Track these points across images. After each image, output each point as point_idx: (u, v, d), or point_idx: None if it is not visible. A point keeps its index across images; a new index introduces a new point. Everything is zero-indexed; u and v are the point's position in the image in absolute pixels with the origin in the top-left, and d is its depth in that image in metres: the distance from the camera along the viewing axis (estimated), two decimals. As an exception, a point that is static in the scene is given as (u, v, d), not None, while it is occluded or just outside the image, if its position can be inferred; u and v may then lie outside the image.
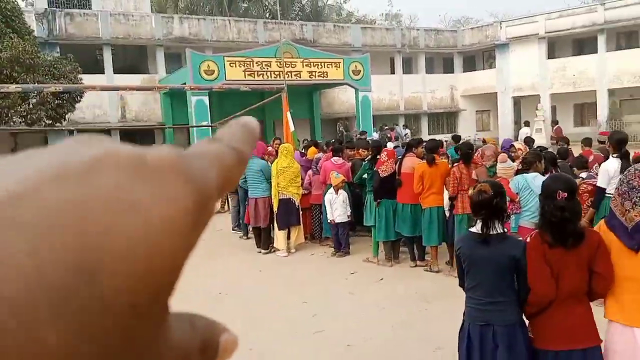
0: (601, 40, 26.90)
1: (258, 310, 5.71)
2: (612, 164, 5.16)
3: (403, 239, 7.26)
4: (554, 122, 20.08)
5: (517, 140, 15.88)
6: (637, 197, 2.55)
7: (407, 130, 25.08)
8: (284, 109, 10.89)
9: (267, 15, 34.63)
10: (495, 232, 2.89)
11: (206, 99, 19.36)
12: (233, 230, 10.12)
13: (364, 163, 7.55)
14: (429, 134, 29.85)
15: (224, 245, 9.05)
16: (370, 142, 8.84)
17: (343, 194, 7.70)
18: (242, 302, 6.06)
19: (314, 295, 6.12)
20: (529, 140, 9.03)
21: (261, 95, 24.55)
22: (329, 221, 7.83)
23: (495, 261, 2.85)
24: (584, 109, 29.12)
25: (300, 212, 8.44)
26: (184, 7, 33.13)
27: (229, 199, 10.17)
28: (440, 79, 31.51)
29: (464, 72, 32.51)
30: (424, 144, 6.83)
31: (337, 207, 7.65)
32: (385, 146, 8.02)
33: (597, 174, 6.15)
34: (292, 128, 10.73)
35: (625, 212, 2.59)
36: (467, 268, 2.99)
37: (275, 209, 8.13)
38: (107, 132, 21.88)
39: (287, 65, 20.35)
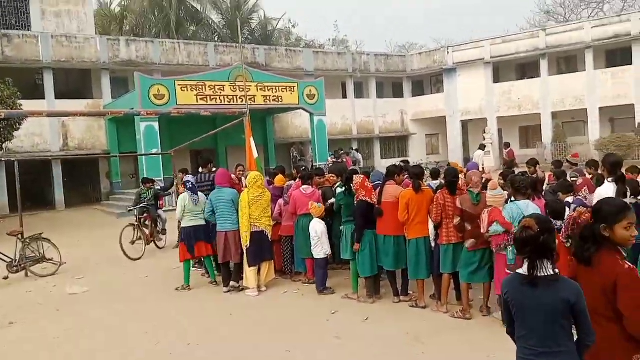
0: (543, 65, 27.98)
1: (237, 363, 5.08)
2: (608, 189, 4.93)
3: (384, 273, 6.81)
4: (506, 144, 20.46)
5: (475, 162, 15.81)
6: None
7: (359, 155, 24.99)
8: (247, 134, 10.35)
9: (216, 39, 34.08)
10: (544, 274, 2.61)
11: (156, 125, 18.50)
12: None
13: (338, 191, 7.06)
14: (381, 158, 29.98)
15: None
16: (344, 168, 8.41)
17: (323, 226, 7.22)
18: (217, 354, 5.39)
19: (297, 341, 5.54)
20: (511, 163, 8.83)
21: (213, 120, 23.93)
22: (324, 255, 7.24)
23: (547, 306, 2.59)
24: (529, 132, 30.09)
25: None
26: (129, 30, 32.10)
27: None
28: (391, 104, 31.84)
29: (413, 96, 33.01)
30: (409, 170, 6.45)
31: (324, 241, 7.16)
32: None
33: (585, 198, 5.97)
34: (255, 154, 10.20)
35: None
36: (516, 314, 2.71)
37: (246, 243, 7.50)
38: (48, 162, 20.51)
39: (241, 90, 19.86)
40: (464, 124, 31.36)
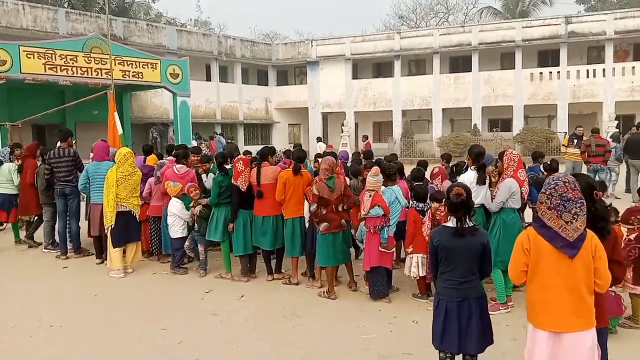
0: (397, 66, 30.17)
1: (111, 344, 4.85)
2: (470, 175, 5.65)
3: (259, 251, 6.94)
4: (365, 137, 21.75)
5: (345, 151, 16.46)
6: (576, 207, 2.72)
7: (224, 140, 24.71)
8: (111, 108, 9.73)
9: (66, 5, 31.05)
10: (467, 226, 3.52)
11: (-6, 94, 16.38)
12: (46, 249, 8.60)
13: (215, 177, 6.95)
14: (245, 145, 29.94)
15: (40, 267, 7.63)
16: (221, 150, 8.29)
17: (181, 205, 7.09)
18: (84, 334, 5.09)
19: (173, 319, 5.45)
20: (370, 154, 9.43)
21: (61, 93, 21.90)
22: (180, 235, 7.11)
23: (471, 249, 3.51)
24: (382, 127, 32.32)
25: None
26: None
27: (43, 213, 8.62)
28: (256, 91, 31.89)
29: (277, 85, 33.42)
30: (294, 152, 6.62)
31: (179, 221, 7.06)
32: (232, 156, 7.55)
33: (437, 186, 6.65)
34: (120, 131, 9.65)
35: (565, 223, 2.74)
36: (444, 256, 3.55)
37: (110, 223, 7.10)
38: None
39: (96, 62, 18.45)
40: (325, 116, 32.59)
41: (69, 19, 23.02)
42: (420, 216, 5.75)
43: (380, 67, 32.46)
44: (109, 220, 7.10)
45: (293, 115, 33.32)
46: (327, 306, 5.81)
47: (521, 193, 5.54)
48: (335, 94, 31.31)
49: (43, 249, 8.63)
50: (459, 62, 30.04)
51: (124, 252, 7.36)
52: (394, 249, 6.03)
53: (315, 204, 5.84)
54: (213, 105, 28.96)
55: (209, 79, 29.50)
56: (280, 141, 31.38)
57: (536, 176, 6.86)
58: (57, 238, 8.47)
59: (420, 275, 5.80)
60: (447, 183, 6.30)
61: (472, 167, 5.68)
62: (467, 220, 3.51)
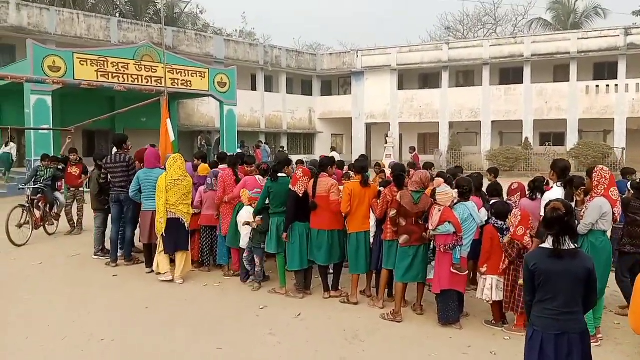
0: (445, 77, 29.50)
1: (164, 363, 4.55)
2: (556, 192, 5.06)
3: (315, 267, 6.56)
4: (412, 148, 21.19)
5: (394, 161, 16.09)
6: None
7: (269, 148, 24.61)
8: (163, 115, 9.62)
9: (117, 15, 31.83)
10: (567, 247, 3.08)
11: (49, 99, 16.72)
12: (95, 255, 8.48)
13: (266, 182, 6.66)
14: (289, 154, 29.81)
15: (89, 275, 7.47)
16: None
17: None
18: (136, 350, 4.81)
19: (228, 337, 5.11)
20: (429, 166, 8.95)
21: (111, 100, 22.27)
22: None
23: (573, 274, 3.07)
24: (427, 139, 31.60)
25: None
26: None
27: (94, 219, 8.52)
28: (300, 100, 31.81)
29: (322, 95, 33.27)
30: (356, 162, 6.23)
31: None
32: (290, 162, 7.24)
33: (515, 203, 6.12)
34: (172, 137, 9.51)
35: None
36: (542, 282, 3.12)
37: (160, 229, 6.91)
38: None
39: (146, 70, 18.66)
40: (368, 127, 32.17)
41: (120, 27, 23.49)
42: (499, 234, 5.25)
43: (427, 78, 31.85)
44: (160, 229, 6.91)
45: (336, 126, 33.04)
46: (391, 330, 5.36)
47: (613, 214, 4.98)
48: (380, 105, 30.87)
49: (93, 256, 8.50)
50: (509, 74, 29.15)
51: (172, 261, 7.18)
52: (467, 271, 5.53)
53: (395, 210, 5.44)
54: (257, 115, 28.99)
55: (254, 88, 29.58)
56: (322, 151, 31.04)
57: (620, 194, 6.22)
58: (107, 245, 8.38)
59: (494, 299, 5.29)
60: (525, 201, 5.77)
61: (558, 184, 5.14)
62: (568, 241, 3.08)
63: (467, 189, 5.40)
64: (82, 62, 17.15)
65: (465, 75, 30.91)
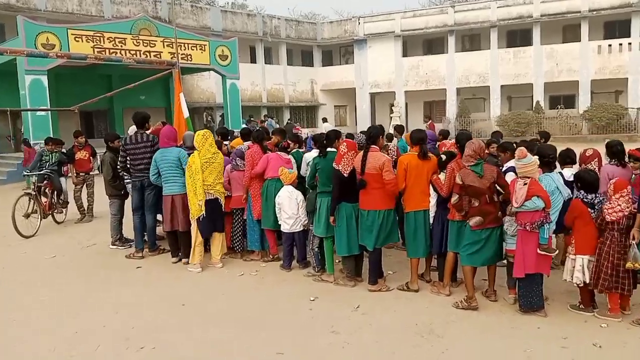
0: (451, 41, 28.50)
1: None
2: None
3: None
4: (427, 117, 20.44)
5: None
6: None
7: (274, 122, 23.78)
8: (176, 90, 8.85)
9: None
10: None
11: (45, 79, 15.81)
12: (113, 245, 7.79)
13: (314, 158, 5.98)
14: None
15: (110, 270, 6.77)
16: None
17: (299, 195, 6.19)
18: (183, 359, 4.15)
19: (287, 338, 4.45)
20: (445, 134, 8.30)
21: (108, 78, 21.28)
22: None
23: None
24: (433, 106, 30.73)
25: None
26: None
27: (110, 206, 7.79)
28: (301, 72, 30.81)
29: (323, 66, 32.24)
30: (412, 134, 5.47)
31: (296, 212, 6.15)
32: (339, 135, 6.54)
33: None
34: (186, 114, 8.73)
35: None
36: None
37: (198, 213, 6.25)
38: None
39: (144, 44, 17.69)
40: (372, 96, 31.27)
41: (113, 1, 22.36)
42: (589, 209, 4.57)
43: (432, 44, 30.83)
44: (198, 210, 6.24)
45: (339, 97, 32.12)
46: (469, 321, 4.71)
47: None
48: (384, 73, 29.92)
49: (110, 245, 7.82)
50: (517, 36, 28.19)
51: (207, 246, 6.63)
52: (556, 251, 4.86)
53: (457, 195, 4.75)
54: (259, 88, 28.04)
55: (253, 60, 28.56)
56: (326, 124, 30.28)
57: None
58: (124, 233, 7.72)
59: (585, 281, 4.64)
60: (610, 167, 5.08)
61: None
62: None
63: (553, 157, 4.69)
64: (77, 39, 16.19)
65: (472, 39, 29.91)
